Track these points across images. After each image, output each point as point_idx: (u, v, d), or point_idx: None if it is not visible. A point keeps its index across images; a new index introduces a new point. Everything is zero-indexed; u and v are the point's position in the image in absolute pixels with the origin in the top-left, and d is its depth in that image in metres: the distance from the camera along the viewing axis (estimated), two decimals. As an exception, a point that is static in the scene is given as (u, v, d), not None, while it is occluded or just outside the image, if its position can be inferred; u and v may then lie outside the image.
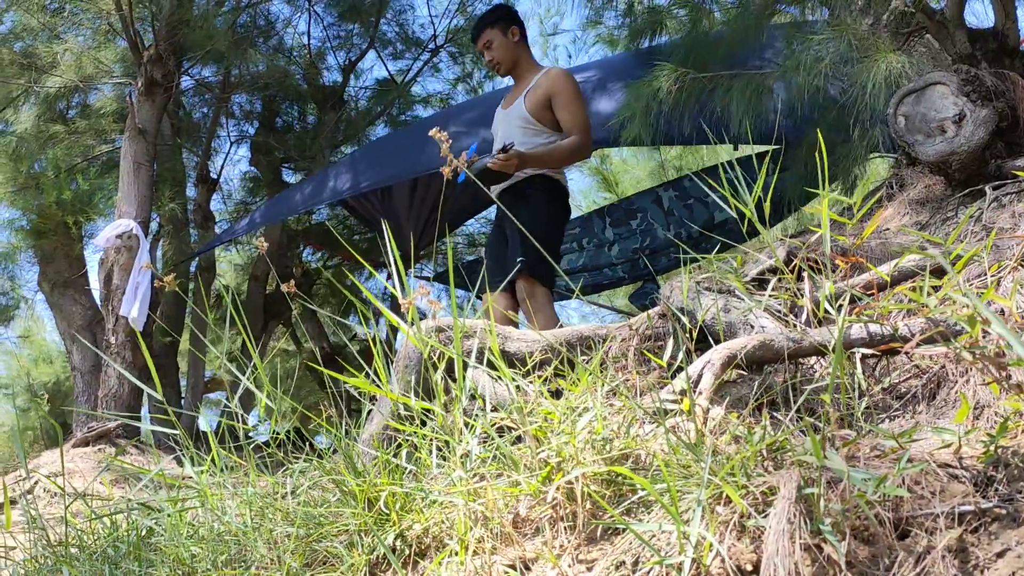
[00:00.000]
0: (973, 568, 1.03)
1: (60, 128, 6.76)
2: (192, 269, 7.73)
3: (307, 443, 1.87)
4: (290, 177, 8.28)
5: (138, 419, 5.43)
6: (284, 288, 1.64)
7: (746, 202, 1.86)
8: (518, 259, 3.24)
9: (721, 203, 1.97)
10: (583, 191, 10.52)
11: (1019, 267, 1.74)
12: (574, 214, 5.26)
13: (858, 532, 1.10)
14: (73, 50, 6.33)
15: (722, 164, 5.45)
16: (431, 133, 1.74)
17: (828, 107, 3.46)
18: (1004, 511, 1.08)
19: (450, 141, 1.73)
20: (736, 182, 1.94)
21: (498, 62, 3.61)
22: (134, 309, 5.16)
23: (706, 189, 2.10)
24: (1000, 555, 1.03)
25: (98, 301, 6.33)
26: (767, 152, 4.27)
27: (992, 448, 1.18)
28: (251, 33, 6.62)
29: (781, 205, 4.30)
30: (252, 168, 8.41)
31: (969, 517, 1.09)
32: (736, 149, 4.72)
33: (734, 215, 1.97)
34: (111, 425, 5.14)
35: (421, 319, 1.84)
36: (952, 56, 3.03)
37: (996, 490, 1.12)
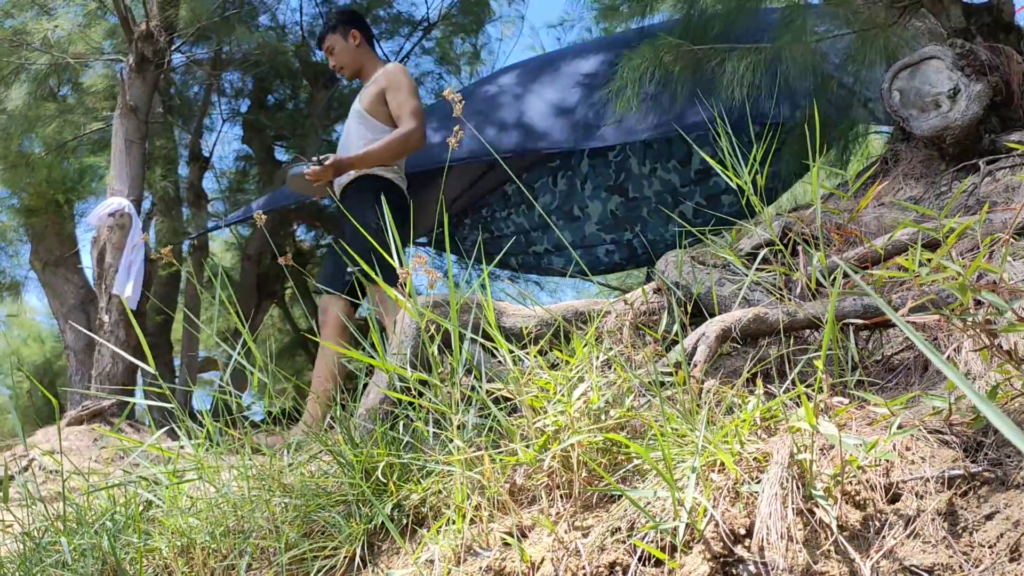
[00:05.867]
0: (962, 530, 1.05)
1: (51, 106, 6.70)
2: (184, 248, 7.71)
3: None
4: (282, 155, 8.23)
5: (132, 398, 5.42)
6: (281, 260, 1.64)
7: (742, 175, 1.87)
8: (348, 269, 3.17)
9: (724, 174, 1.97)
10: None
11: (1013, 240, 1.75)
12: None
13: (849, 497, 1.12)
14: (64, 27, 6.26)
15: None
16: (445, 94, 1.75)
17: (824, 82, 3.45)
18: (993, 475, 1.10)
19: (463, 102, 1.74)
20: (734, 155, 1.95)
21: (341, 67, 3.77)
22: (127, 288, 5.14)
23: (711, 163, 2.09)
24: (989, 517, 1.04)
25: (91, 280, 6.31)
26: (763, 132, 4.23)
27: (982, 414, 1.19)
28: (242, 9, 6.54)
29: (776, 182, 4.28)
30: (244, 146, 8.36)
31: (959, 481, 1.11)
32: (726, 124, 4.62)
33: (733, 186, 1.98)
34: (105, 404, 5.13)
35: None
36: (947, 30, 3.02)
37: (986, 455, 1.14)
